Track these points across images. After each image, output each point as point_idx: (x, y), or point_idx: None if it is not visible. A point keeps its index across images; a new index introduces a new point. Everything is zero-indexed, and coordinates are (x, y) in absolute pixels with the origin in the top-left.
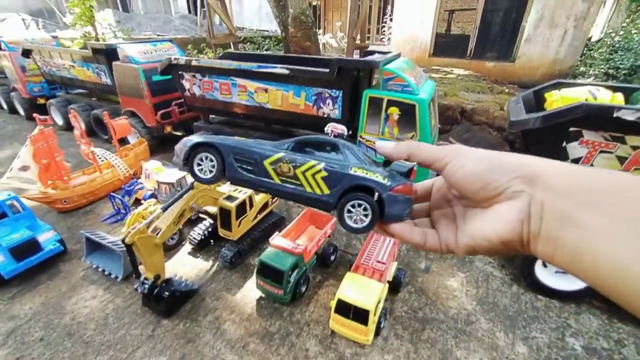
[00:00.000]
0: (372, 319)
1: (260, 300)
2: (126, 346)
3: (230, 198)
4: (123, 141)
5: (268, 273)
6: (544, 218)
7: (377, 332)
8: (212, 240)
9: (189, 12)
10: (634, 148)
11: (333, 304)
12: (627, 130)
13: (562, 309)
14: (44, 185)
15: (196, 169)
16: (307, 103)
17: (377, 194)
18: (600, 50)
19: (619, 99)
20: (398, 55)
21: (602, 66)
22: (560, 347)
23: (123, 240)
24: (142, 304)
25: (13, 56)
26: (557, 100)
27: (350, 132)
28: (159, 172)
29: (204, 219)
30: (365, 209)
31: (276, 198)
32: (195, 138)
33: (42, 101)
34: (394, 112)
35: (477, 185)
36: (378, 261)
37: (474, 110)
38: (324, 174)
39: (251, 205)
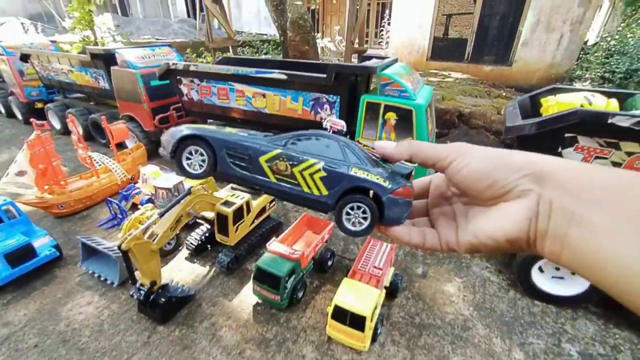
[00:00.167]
0: (369, 325)
1: (257, 306)
2: (121, 353)
3: (227, 203)
4: (121, 145)
5: (265, 279)
6: (552, 216)
7: (374, 338)
8: (209, 246)
9: (188, 16)
10: (629, 154)
11: (330, 310)
12: (621, 137)
13: (558, 314)
14: (41, 190)
15: (185, 163)
16: (305, 108)
17: (374, 195)
18: (596, 54)
19: (613, 104)
20: (395, 60)
21: (598, 70)
22: (557, 353)
23: (119, 247)
24: (137, 310)
25: (11, 60)
26: (552, 105)
27: (347, 137)
28: (157, 177)
29: (201, 224)
30: (364, 212)
31: (274, 203)
32: (184, 129)
33: (40, 105)
34: (391, 117)
35: (484, 183)
36: (375, 267)
37: (472, 114)
38: (323, 174)
39: (248, 211)
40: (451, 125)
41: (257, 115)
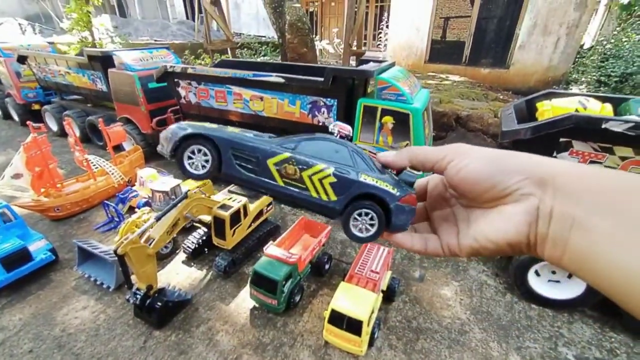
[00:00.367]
0: (366, 330)
1: (254, 310)
2: (117, 358)
3: (224, 207)
4: (118, 148)
5: (262, 283)
6: (552, 221)
7: (371, 342)
8: (206, 249)
9: (187, 17)
10: (622, 159)
11: (327, 314)
12: (615, 141)
13: (555, 318)
14: (37, 193)
15: (186, 162)
16: (302, 111)
17: (381, 201)
18: (592, 58)
19: (608, 109)
20: (393, 64)
21: (594, 73)
22: (553, 357)
23: (115, 251)
24: (134, 314)
25: (8, 62)
26: (548, 110)
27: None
28: (154, 180)
29: (198, 228)
30: (372, 219)
31: (271, 207)
32: (187, 127)
33: (37, 107)
34: (388, 121)
35: (483, 186)
36: (372, 271)
37: (469, 117)
38: (333, 179)
39: (245, 214)
40: (449, 128)
41: (255, 118)
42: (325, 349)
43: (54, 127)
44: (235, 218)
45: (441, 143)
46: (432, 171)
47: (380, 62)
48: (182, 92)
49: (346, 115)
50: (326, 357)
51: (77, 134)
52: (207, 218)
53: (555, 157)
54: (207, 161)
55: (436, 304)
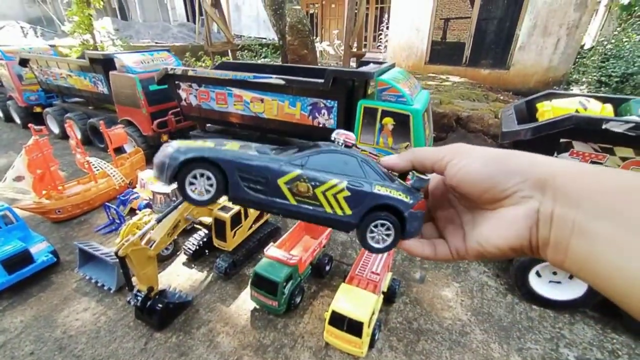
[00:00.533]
0: (367, 331)
1: (255, 312)
2: None
3: (225, 208)
4: (119, 150)
5: (262, 284)
6: (553, 225)
7: (372, 344)
8: (207, 251)
9: (187, 20)
10: (623, 159)
11: (327, 315)
12: (616, 142)
13: (556, 319)
14: (38, 195)
15: (188, 188)
16: (303, 113)
17: (395, 210)
18: (592, 58)
19: (608, 109)
20: (393, 66)
21: (595, 74)
22: (555, 358)
23: (116, 253)
24: (135, 316)
25: (10, 65)
26: (548, 110)
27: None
28: (155, 182)
29: (199, 229)
30: (388, 229)
31: None
32: (187, 150)
33: (38, 110)
34: (389, 122)
35: (482, 186)
36: (372, 272)
37: (469, 118)
38: (347, 193)
39: (246, 216)
40: (449, 129)
41: (255, 120)
42: (325, 351)
43: (56, 130)
44: (236, 220)
45: (442, 144)
46: (432, 171)
47: (381, 63)
48: (183, 95)
49: (346, 117)
50: (327, 359)
51: (79, 136)
52: (208, 220)
53: (555, 157)
54: (211, 185)
55: (437, 305)
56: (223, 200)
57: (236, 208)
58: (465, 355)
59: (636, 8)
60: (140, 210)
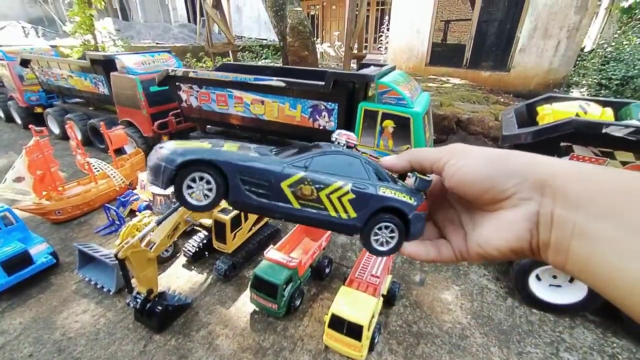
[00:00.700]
0: (366, 334)
1: (254, 314)
2: None
3: (225, 210)
4: (120, 151)
5: (262, 287)
6: (553, 228)
7: (371, 347)
8: (206, 253)
9: (189, 21)
10: (623, 163)
11: (327, 318)
12: (616, 146)
13: (556, 323)
14: (38, 196)
15: (185, 192)
16: (303, 115)
17: (399, 212)
18: (592, 61)
19: (608, 113)
20: (393, 68)
21: (595, 76)
22: None
23: (116, 255)
24: (134, 318)
25: (11, 65)
26: (549, 114)
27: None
28: None
29: (199, 231)
30: (391, 231)
31: None
32: (184, 152)
33: (39, 110)
34: (389, 124)
35: (481, 187)
36: (372, 275)
37: (470, 120)
38: (352, 196)
39: (246, 218)
40: (449, 131)
41: (256, 121)
42: (325, 354)
43: (56, 130)
44: (236, 222)
45: (439, 147)
46: (431, 172)
47: (381, 65)
48: (184, 96)
49: (347, 119)
50: None
51: (79, 137)
52: (208, 222)
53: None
54: (210, 189)
55: (437, 308)
56: (223, 203)
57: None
58: (465, 359)
59: (636, 11)
60: (140, 212)
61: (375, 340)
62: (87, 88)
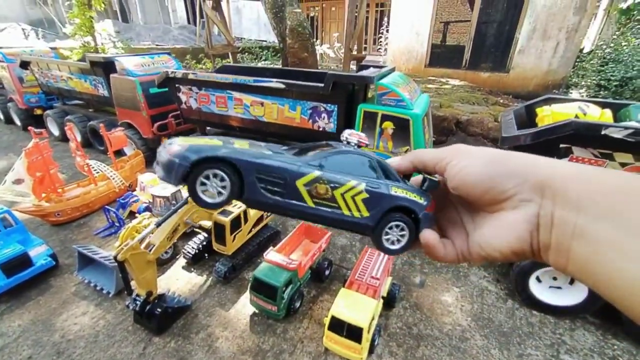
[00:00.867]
0: (366, 337)
1: (254, 316)
2: None
3: (224, 212)
4: (119, 153)
5: (262, 289)
6: (553, 230)
7: (371, 349)
8: (206, 255)
9: (188, 22)
10: (623, 165)
11: (327, 321)
12: (615, 148)
13: (556, 325)
14: (38, 198)
15: (199, 189)
16: (303, 117)
17: (409, 211)
18: (591, 62)
19: (607, 115)
20: (393, 69)
21: (594, 77)
22: None
23: (115, 257)
24: (133, 320)
25: (11, 67)
26: (548, 115)
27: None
28: (154, 185)
29: (199, 233)
30: (402, 230)
31: None
32: (199, 149)
33: (39, 112)
34: (389, 126)
35: (481, 188)
36: (372, 277)
37: (469, 121)
38: (365, 195)
39: (246, 220)
40: (449, 132)
41: (255, 123)
42: (325, 356)
43: (56, 132)
44: (236, 223)
45: (441, 147)
46: (434, 172)
47: (381, 67)
48: (183, 98)
49: (346, 121)
50: None
51: (79, 138)
52: (208, 223)
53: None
54: (224, 187)
55: (437, 310)
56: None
57: (236, 212)
58: None
59: (635, 12)
60: (139, 214)
61: (375, 343)
62: (86, 90)
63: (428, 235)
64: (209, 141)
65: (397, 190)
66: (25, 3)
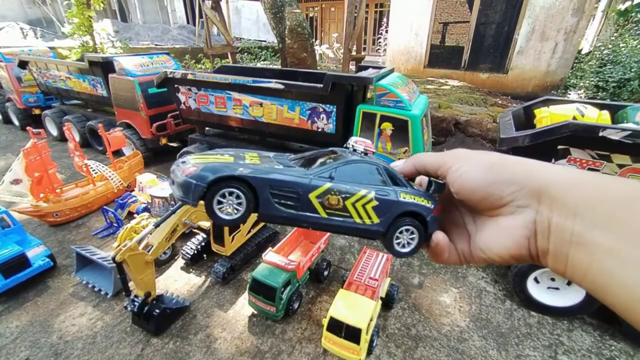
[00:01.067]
0: (365, 338)
1: (253, 317)
2: None
3: None
4: (118, 153)
5: (260, 290)
6: (551, 236)
7: (370, 350)
8: (205, 255)
9: (187, 22)
10: (620, 166)
11: (325, 322)
12: (612, 149)
13: (554, 326)
14: (36, 199)
15: (216, 208)
16: (302, 117)
17: (417, 215)
18: (590, 63)
19: (605, 116)
20: (392, 70)
21: (592, 78)
22: None
23: (113, 258)
24: (131, 321)
25: (9, 67)
26: (546, 117)
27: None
28: (153, 185)
29: (197, 234)
30: (412, 233)
31: None
32: (212, 169)
33: (37, 112)
34: (387, 127)
35: (479, 194)
36: (371, 278)
37: (468, 122)
38: (375, 203)
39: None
40: (448, 133)
41: (254, 123)
42: (323, 357)
43: (54, 132)
44: None
45: (440, 148)
46: (437, 176)
47: (380, 67)
48: (182, 98)
49: (345, 122)
50: None
51: (77, 139)
52: (206, 224)
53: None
54: (240, 204)
55: (435, 311)
56: None
57: None
58: None
59: (633, 14)
60: (138, 214)
61: (374, 344)
62: (85, 90)
63: (440, 237)
64: (221, 157)
65: (406, 196)
66: (23, 2)
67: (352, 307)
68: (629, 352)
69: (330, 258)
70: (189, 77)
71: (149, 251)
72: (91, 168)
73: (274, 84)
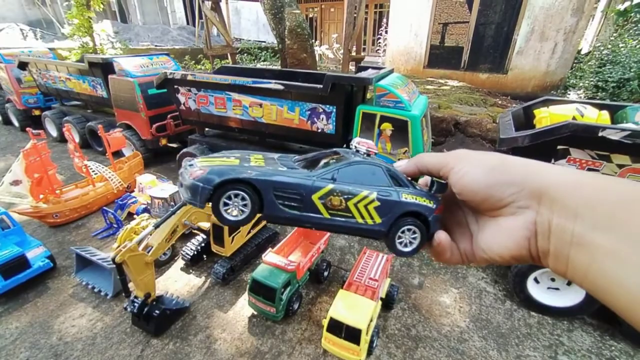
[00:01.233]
0: (365, 338)
1: (253, 318)
2: None
3: None
4: (118, 154)
5: (260, 290)
6: (552, 238)
7: (370, 351)
8: (204, 256)
9: (187, 23)
10: (620, 166)
11: (325, 322)
12: (612, 149)
13: (554, 326)
14: (36, 200)
15: (222, 209)
16: (301, 118)
17: (419, 215)
18: (589, 63)
19: (604, 117)
20: (391, 71)
21: (592, 79)
22: None
23: (113, 259)
24: (131, 322)
25: (9, 68)
26: (545, 117)
27: (345, 147)
28: (153, 186)
29: (197, 235)
30: (414, 232)
31: None
32: (219, 172)
33: (37, 113)
34: (387, 127)
35: (480, 195)
36: (370, 278)
37: (468, 122)
38: (377, 203)
39: None
40: (448, 133)
41: (254, 124)
42: (323, 358)
43: (54, 133)
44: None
45: (440, 149)
46: (439, 177)
47: (379, 68)
48: (182, 99)
49: (345, 122)
50: None
51: (77, 140)
52: (206, 225)
53: (553, 164)
54: (245, 205)
55: (435, 312)
56: None
57: None
58: None
59: (632, 14)
60: (138, 215)
61: (374, 344)
62: (85, 91)
63: (442, 237)
64: (227, 160)
65: (407, 196)
66: (23, 3)
67: (352, 307)
68: (629, 352)
69: (330, 258)
70: (189, 77)
71: (148, 252)
72: (91, 169)
73: (273, 84)
